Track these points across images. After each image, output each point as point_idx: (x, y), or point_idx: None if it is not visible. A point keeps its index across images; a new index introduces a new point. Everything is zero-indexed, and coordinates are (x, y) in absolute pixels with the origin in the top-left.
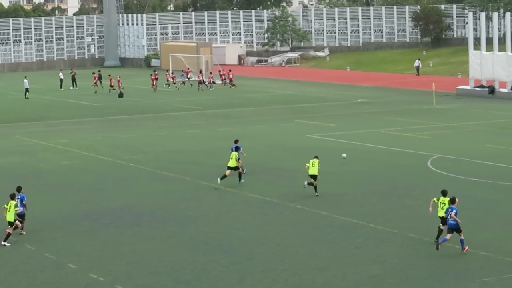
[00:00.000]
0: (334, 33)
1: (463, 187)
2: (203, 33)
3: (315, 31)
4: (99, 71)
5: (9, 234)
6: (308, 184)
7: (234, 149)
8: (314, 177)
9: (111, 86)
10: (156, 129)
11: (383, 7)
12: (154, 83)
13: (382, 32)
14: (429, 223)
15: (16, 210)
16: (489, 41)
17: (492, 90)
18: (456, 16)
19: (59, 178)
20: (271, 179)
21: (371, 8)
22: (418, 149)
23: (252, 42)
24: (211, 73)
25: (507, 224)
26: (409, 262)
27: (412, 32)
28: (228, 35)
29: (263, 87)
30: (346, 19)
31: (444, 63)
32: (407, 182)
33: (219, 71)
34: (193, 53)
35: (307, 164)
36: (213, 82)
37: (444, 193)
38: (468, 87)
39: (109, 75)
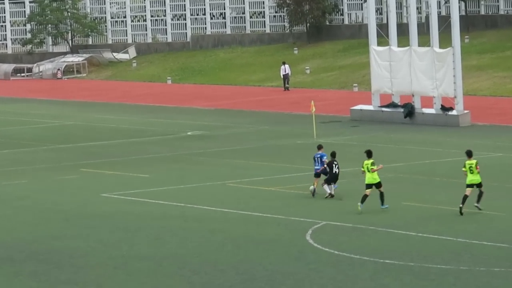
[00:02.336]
0: (144, 21)
1: (366, 274)
2: None
3: (111, 18)
4: None
5: None
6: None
7: (318, 160)
8: (478, 185)
9: None
10: None
11: None
12: None
13: (224, 19)
14: None
15: None
16: (402, 30)
17: (409, 111)
18: None
19: None
20: (43, 270)
21: None
22: (290, 212)
23: (5, 39)
24: None
25: None
26: None
27: (275, 17)
28: None
29: (24, 114)
30: None
31: (329, 68)
32: (272, 269)
33: None
34: None
35: (463, 169)
36: None
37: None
38: (370, 107)
39: None
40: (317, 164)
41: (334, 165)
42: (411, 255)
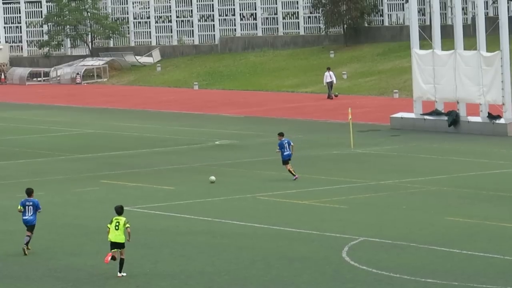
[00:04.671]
0: (170, 22)
1: None
2: None
3: (134, 19)
4: None
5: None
6: None
7: None
8: None
9: None
10: None
11: None
12: None
13: (255, 20)
14: None
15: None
16: (446, 32)
17: (454, 119)
18: None
19: None
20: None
21: None
22: (325, 228)
23: (20, 41)
24: None
25: None
26: None
27: (309, 18)
28: None
29: (41, 122)
30: None
31: (367, 73)
32: None
33: None
34: None
35: None
36: None
37: None
38: (411, 115)
39: None
40: None
41: None
42: (455, 274)
